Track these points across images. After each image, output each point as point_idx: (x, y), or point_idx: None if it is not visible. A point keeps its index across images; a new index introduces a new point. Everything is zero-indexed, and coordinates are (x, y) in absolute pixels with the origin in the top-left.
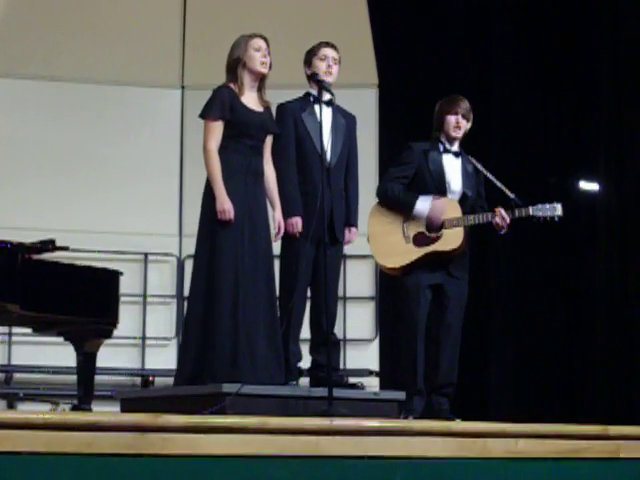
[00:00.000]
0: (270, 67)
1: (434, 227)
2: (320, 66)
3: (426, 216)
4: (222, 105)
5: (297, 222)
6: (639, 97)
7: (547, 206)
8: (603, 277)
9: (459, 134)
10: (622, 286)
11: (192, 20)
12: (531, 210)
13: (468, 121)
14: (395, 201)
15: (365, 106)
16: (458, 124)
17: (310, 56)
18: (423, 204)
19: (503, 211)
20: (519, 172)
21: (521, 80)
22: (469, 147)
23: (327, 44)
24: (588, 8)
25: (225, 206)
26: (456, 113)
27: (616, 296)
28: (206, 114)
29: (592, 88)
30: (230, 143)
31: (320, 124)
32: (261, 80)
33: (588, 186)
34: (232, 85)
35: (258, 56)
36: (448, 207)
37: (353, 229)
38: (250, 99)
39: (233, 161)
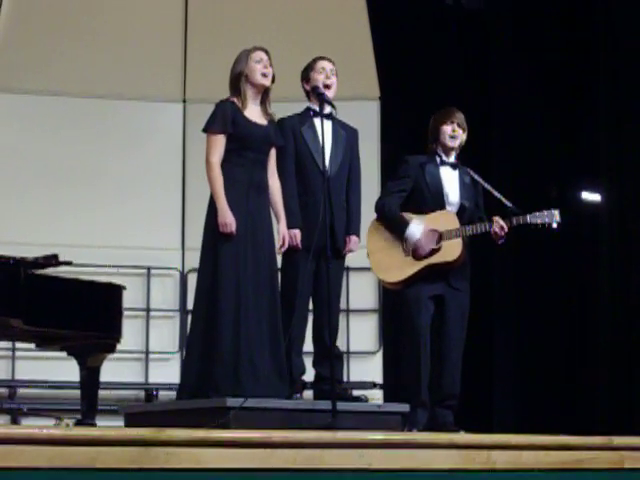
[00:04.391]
0: (273, 79)
1: (417, 256)
2: (318, 78)
3: (413, 244)
4: (224, 119)
5: (296, 234)
6: (638, 106)
7: (545, 213)
8: (606, 287)
9: (455, 143)
10: (625, 296)
11: (193, 34)
12: (529, 218)
13: (464, 131)
14: (389, 222)
15: (367, 119)
16: (454, 133)
17: (307, 71)
18: (413, 233)
19: (501, 220)
20: (520, 184)
21: (521, 91)
22: (470, 159)
23: (323, 58)
24: (586, 18)
25: (227, 219)
26: (452, 123)
27: (619, 307)
28: (208, 128)
29: (591, 98)
30: (233, 157)
31: (322, 137)
32: (264, 93)
33: (590, 196)
34: (235, 99)
35: (259, 68)
36: (445, 222)
37: (353, 238)
38: (254, 112)
39: (236, 174)
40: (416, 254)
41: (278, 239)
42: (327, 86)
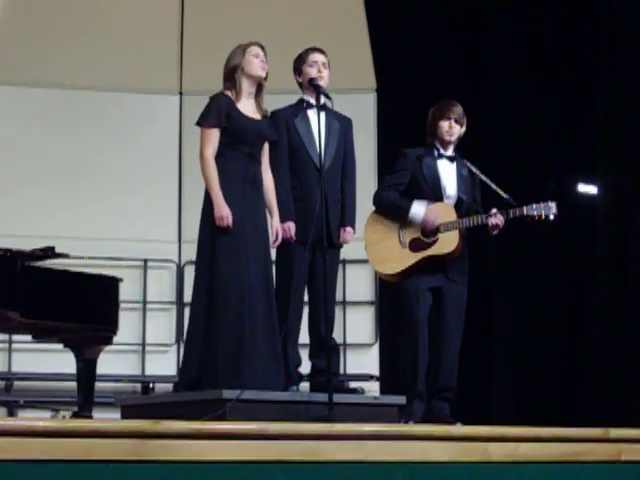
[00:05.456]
0: (266, 77)
1: (429, 230)
2: (310, 72)
3: (422, 219)
4: (218, 112)
5: (290, 227)
6: (637, 99)
7: (541, 205)
8: (603, 278)
9: (452, 138)
10: (622, 289)
11: (190, 26)
12: (525, 210)
13: (462, 126)
14: (391, 207)
15: (363, 110)
16: (451, 128)
17: (299, 63)
18: (418, 208)
19: (498, 212)
20: (517, 176)
21: (518, 83)
22: (467, 152)
23: (315, 49)
24: (585, 11)
25: (223, 213)
26: (449, 118)
27: (616, 299)
28: (202, 122)
29: (590, 90)
30: (227, 150)
31: (318, 128)
32: (259, 87)
33: (587, 189)
34: (229, 92)
35: (256, 61)
36: (443, 211)
37: (348, 229)
38: (248, 106)
39: (230, 168)
40: (426, 227)
41: (271, 233)
42: (319, 78)
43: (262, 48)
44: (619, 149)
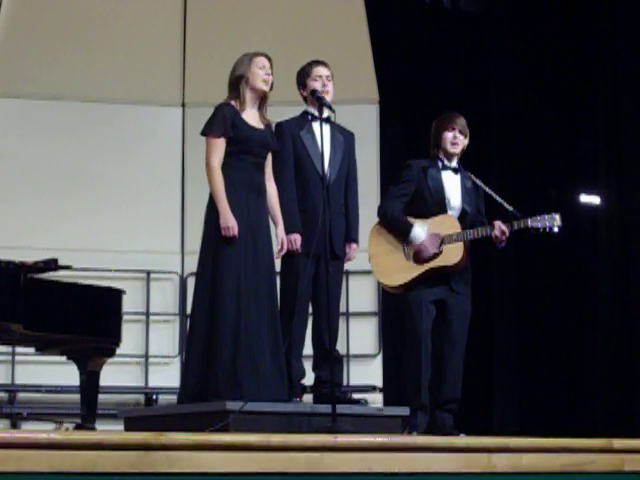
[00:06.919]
0: (271, 87)
1: (420, 258)
2: (315, 86)
3: (418, 246)
4: (224, 122)
5: (296, 239)
6: (638, 109)
7: (545, 217)
8: (605, 290)
9: (457, 150)
10: (624, 299)
11: (192, 38)
12: (529, 222)
13: (465, 137)
14: (393, 225)
15: (366, 122)
16: (455, 140)
17: (303, 77)
18: (420, 231)
19: (502, 224)
20: (519, 186)
21: (520, 94)
22: (469, 163)
23: (318, 62)
24: (586, 21)
25: (229, 223)
26: (453, 129)
27: (618, 309)
28: (208, 131)
29: (591, 100)
30: (232, 160)
31: (321, 141)
32: (262, 98)
33: (589, 199)
34: (233, 102)
35: (261, 74)
36: (446, 226)
37: (353, 245)
38: (251, 116)
39: (235, 178)
40: (418, 257)
41: (276, 243)
42: (324, 92)
43: (269, 59)
44: (620, 159)
